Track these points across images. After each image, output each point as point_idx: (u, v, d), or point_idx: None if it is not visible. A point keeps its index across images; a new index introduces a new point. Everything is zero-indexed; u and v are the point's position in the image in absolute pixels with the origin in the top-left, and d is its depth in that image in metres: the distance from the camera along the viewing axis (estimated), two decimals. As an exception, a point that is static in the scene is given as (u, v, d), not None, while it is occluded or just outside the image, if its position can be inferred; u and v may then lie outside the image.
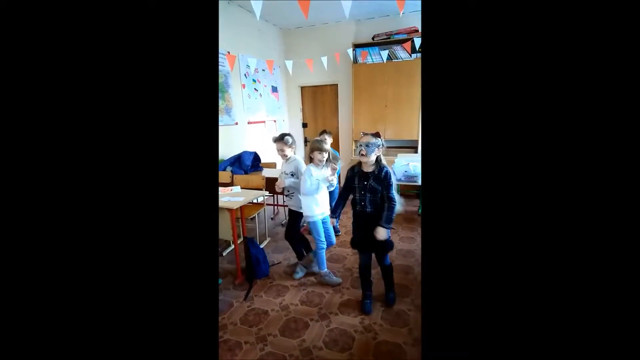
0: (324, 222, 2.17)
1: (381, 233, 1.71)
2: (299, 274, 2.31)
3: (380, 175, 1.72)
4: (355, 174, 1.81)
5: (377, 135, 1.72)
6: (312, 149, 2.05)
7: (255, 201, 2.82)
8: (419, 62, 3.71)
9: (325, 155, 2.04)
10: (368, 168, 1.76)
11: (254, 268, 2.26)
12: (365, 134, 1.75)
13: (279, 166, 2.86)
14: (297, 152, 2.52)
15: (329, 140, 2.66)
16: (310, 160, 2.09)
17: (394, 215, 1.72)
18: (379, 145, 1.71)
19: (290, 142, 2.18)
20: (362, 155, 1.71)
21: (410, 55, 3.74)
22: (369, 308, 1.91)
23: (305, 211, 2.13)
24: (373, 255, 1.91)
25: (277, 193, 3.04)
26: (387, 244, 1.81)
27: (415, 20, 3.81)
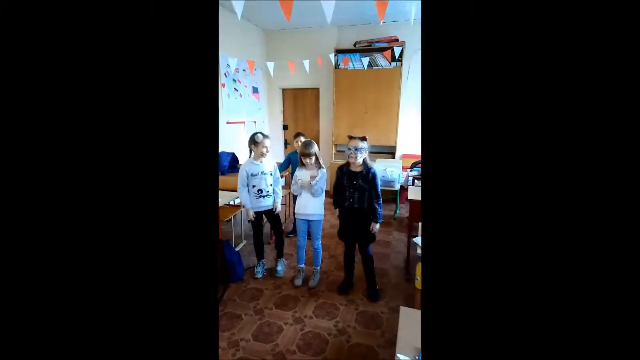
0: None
1: (375, 227, 2.01)
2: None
3: (368, 176, 1.94)
4: (344, 173, 2.01)
5: (364, 139, 1.94)
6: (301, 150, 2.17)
7: (231, 203, 2.77)
8: (399, 70, 3.83)
9: (309, 160, 2.08)
10: (356, 168, 1.97)
11: (228, 271, 2.22)
12: (353, 138, 1.94)
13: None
14: (275, 154, 2.53)
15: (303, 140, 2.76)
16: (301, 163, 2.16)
17: (381, 210, 2.01)
18: (365, 149, 1.93)
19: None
20: (351, 157, 1.92)
21: (390, 64, 3.85)
22: (344, 289, 2.14)
23: (316, 210, 2.18)
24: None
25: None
26: (370, 236, 2.04)
27: (395, 30, 3.92)
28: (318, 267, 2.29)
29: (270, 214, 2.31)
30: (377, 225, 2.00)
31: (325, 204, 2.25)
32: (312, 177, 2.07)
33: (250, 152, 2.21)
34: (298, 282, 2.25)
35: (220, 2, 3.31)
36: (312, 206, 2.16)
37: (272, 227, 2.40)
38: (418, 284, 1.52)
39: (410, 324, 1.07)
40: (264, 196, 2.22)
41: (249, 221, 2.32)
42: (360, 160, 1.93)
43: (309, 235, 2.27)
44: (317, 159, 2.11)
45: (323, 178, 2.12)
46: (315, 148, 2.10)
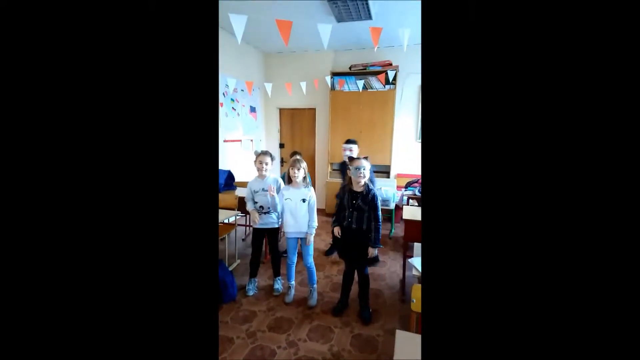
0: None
1: (372, 252, 1.95)
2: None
3: (368, 197, 1.91)
4: (345, 192, 2.01)
5: (366, 158, 1.94)
6: (290, 164, 2.18)
7: (226, 221, 2.74)
8: (393, 93, 3.94)
9: (298, 173, 2.10)
10: (358, 188, 1.94)
11: (220, 292, 2.16)
12: (357, 159, 1.92)
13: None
14: (274, 172, 2.55)
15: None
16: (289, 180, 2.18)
17: (380, 235, 1.95)
18: (368, 168, 1.92)
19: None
20: (360, 177, 1.89)
21: (384, 86, 3.97)
22: (338, 311, 2.09)
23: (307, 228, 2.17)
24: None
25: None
26: (368, 259, 1.97)
27: (389, 54, 4.08)
28: (315, 285, 2.25)
29: (272, 232, 2.30)
30: (375, 251, 1.95)
31: (318, 222, 2.25)
32: (303, 200, 2.11)
33: None
34: (288, 299, 2.23)
35: (221, 26, 3.44)
36: (303, 223, 2.15)
37: (269, 245, 2.38)
38: (414, 306, 1.50)
39: (406, 347, 1.04)
40: (265, 212, 2.24)
41: (243, 239, 2.30)
42: (362, 182, 1.91)
43: (299, 254, 2.25)
44: (304, 177, 2.14)
45: (313, 198, 2.15)
46: (304, 165, 2.14)
